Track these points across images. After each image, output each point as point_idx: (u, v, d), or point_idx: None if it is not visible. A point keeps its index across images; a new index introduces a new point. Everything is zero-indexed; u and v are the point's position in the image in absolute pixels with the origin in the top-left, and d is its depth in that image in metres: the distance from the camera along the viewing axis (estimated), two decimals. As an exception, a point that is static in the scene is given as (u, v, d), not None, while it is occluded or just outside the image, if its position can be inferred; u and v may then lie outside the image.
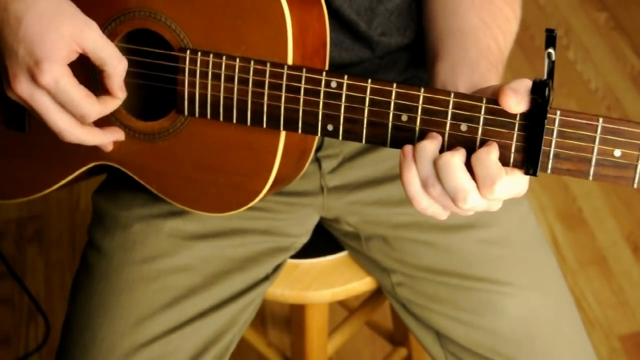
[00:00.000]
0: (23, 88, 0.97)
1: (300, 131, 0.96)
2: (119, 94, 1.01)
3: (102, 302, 1.14)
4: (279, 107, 0.96)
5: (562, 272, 1.23)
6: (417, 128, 0.90)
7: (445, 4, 1.08)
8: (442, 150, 0.89)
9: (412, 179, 0.88)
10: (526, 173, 0.86)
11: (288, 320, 1.98)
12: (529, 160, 0.86)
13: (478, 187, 0.85)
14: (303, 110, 0.95)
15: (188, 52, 1.00)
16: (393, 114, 0.91)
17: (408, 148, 0.88)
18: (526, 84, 0.85)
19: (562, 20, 2.84)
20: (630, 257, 2.14)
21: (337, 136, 0.94)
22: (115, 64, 0.98)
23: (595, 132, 0.84)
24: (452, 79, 0.99)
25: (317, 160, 1.22)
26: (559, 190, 2.30)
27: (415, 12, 1.17)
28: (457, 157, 0.85)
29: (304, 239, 1.27)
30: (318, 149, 1.21)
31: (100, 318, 1.13)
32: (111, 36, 1.03)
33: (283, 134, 0.99)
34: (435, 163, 0.86)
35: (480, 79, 0.96)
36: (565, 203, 2.27)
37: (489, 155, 0.85)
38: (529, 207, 1.24)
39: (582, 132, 0.84)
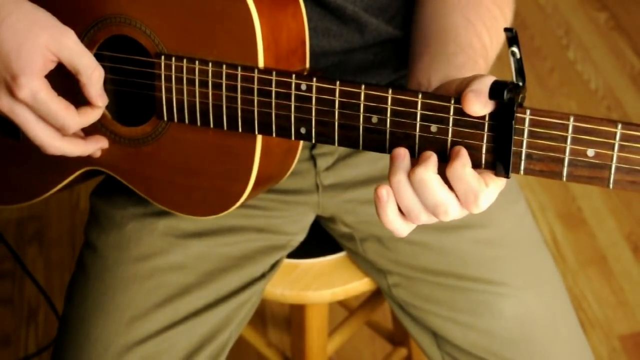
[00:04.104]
0: (2, 102, 0.98)
1: (274, 135, 0.96)
2: (99, 102, 1.01)
3: (97, 301, 1.14)
4: (252, 111, 0.96)
5: (562, 272, 1.23)
6: (388, 130, 0.89)
7: (432, 7, 1.08)
8: (413, 153, 0.87)
9: (392, 222, 0.86)
10: (497, 174, 0.84)
11: (288, 320, 1.98)
12: (500, 161, 0.84)
13: (460, 202, 0.83)
14: (276, 114, 0.94)
15: (163, 57, 1.00)
16: (363, 116, 0.90)
17: (382, 193, 0.85)
18: (489, 82, 0.82)
19: (562, 20, 2.84)
20: (630, 257, 2.13)
21: (310, 139, 0.94)
22: (89, 73, 0.98)
23: (567, 131, 0.81)
24: (428, 73, 0.98)
25: (312, 158, 1.22)
26: (559, 190, 2.30)
27: (401, 2, 1.17)
28: (430, 171, 0.83)
29: (300, 237, 1.27)
30: (313, 146, 1.21)
31: (95, 317, 1.14)
32: (91, 43, 1.04)
33: (259, 137, 0.99)
34: (410, 178, 0.84)
35: (455, 72, 0.95)
36: (565, 203, 2.27)
37: (465, 168, 0.83)
38: (525, 207, 1.24)
39: (554, 132, 0.82)
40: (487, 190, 0.83)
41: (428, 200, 0.84)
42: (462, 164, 0.83)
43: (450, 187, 0.84)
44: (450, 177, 0.84)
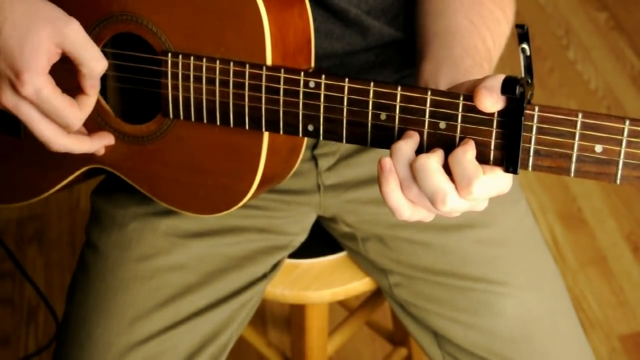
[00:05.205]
0: (7, 99, 0.97)
1: (282, 132, 0.96)
2: (91, 91, 1.00)
3: (98, 300, 1.15)
4: (260, 108, 0.96)
5: (562, 272, 1.23)
6: (396, 127, 0.89)
7: (435, 6, 1.08)
8: (421, 149, 0.88)
9: (392, 192, 0.86)
10: (506, 171, 0.85)
11: (288, 320, 1.98)
12: (508, 157, 0.84)
13: (456, 187, 0.83)
14: (283, 111, 0.95)
15: (169, 55, 1.00)
16: (372, 113, 0.90)
17: (385, 161, 0.86)
18: (501, 80, 0.83)
19: (562, 20, 2.84)
20: (630, 257, 2.14)
21: (318, 136, 0.94)
22: (93, 65, 0.98)
23: (575, 127, 0.82)
24: (435, 76, 0.98)
25: (314, 158, 1.22)
26: (559, 190, 2.30)
27: (403, 3, 1.17)
28: (433, 159, 0.84)
29: (302, 237, 1.27)
30: (314, 146, 1.22)
31: (96, 317, 1.14)
32: (97, 40, 1.03)
33: (266, 134, 0.99)
34: (411, 166, 0.85)
35: (463, 76, 0.95)
36: (565, 203, 2.27)
37: (465, 154, 0.84)
38: (526, 206, 1.24)
39: (562, 128, 0.83)
40: (482, 177, 0.83)
41: (426, 186, 0.84)
42: (463, 150, 0.84)
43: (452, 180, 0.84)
44: (451, 162, 0.84)
